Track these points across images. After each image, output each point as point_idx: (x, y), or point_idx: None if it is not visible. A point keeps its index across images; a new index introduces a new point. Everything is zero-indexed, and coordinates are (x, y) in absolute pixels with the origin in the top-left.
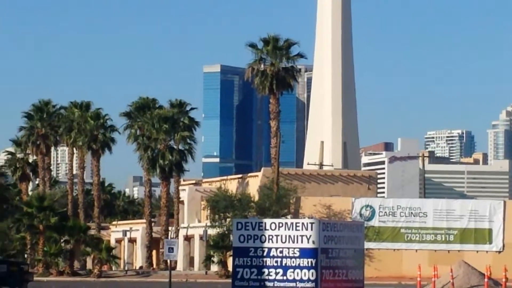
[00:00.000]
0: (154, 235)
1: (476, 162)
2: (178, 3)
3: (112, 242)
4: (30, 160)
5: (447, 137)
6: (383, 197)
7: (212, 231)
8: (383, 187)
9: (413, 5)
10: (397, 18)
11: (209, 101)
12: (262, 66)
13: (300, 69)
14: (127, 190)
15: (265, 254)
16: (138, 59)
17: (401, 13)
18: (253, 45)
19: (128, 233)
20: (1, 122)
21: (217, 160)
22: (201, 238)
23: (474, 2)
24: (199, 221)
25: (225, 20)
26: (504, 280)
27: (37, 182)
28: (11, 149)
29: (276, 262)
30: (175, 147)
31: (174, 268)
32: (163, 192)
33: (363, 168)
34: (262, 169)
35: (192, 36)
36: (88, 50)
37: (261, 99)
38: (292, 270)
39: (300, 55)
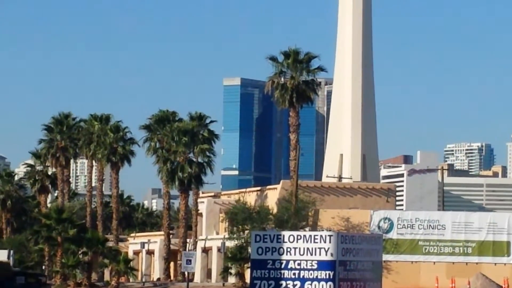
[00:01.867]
0: (172, 247)
1: (495, 175)
2: (198, 17)
3: (130, 254)
4: (49, 173)
5: (466, 150)
6: (402, 209)
7: (230, 243)
8: (402, 200)
9: (433, 19)
10: (418, 31)
11: (229, 114)
12: (282, 79)
13: (320, 82)
14: (145, 202)
15: (283, 266)
16: (159, 72)
17: (421, 27)
18: (273, 58)
19: (146, 245)
20: (21, 135)
21: (236, 172)
22: (219, 250)
23: (493, 17)
24: (217, 233)
25: (245, 33)
26: None
27: (56, 194)
28: (31, 162)
29: (294, 274)
30: (194, 159)
31: (192, 280)
32: (181, 204)
33: (382, 181)
34: (281, 181)
35: (212, 49)
36: (109, 63)
37: (281, 112)
38: (310, 282)
39: (321, 69)
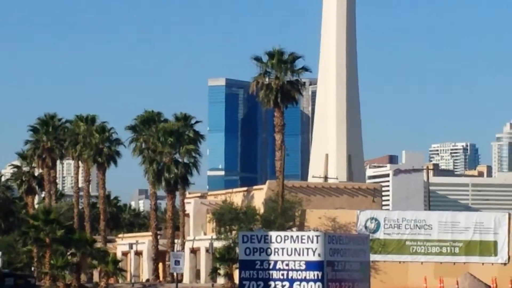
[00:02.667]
0: (160, 247)
1: (480, 174)
2: (183, 17)
3: (119, 255)
4: (36, 174)
5: (452, 149)
6: (388, 209)
7: (218, 244)
8: (388, 200)
9: (417, 19)
10: (401, 31)
11: (214, 115)
12: (267, 79)
13: (304, 82)
14: (132, 203)
15: (271, 267)
16: (143, 73)
17: (405, 27)
18: (258, 59)
19: (134, 246)
20: (7, 136)
21: (222, 173)
22: (207, 250)
23: (477, 15)
24: (205, 234)
25: (230, 33)
26: None
27: (43, 196)
28: (17, 163)
29: (282, 275)
30: (180, 160)
31: (181, 280)
32: (168, 205)
33: (367, 181)
34: (267, 182)
35: (197, 49)
36: (93, 63)
37: (266, 113)
38: (298, 283)
39: (305, 69)
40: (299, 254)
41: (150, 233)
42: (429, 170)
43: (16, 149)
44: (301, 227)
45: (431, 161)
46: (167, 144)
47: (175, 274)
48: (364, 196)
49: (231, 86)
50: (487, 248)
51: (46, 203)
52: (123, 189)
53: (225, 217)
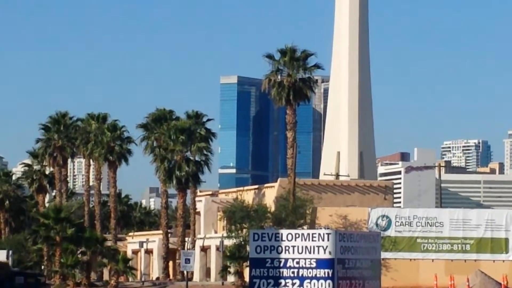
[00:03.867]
0: (170, 246)
1: (492, 171)
2: (195, 14)
3: (129, 253)
4: (47, 172)
5: (464, 146)
6: (399, 207)
7: (228, 242)
8: (399, 197)
9: (430, 16)
10: (415, 28)
11: (226, 112)
12: (279, 77)
13: (317, 79)
14: (143, 201)
15: (281, 265)
16: (155, 71)
17: (418, 24)
18: (270, 56)
19: (144, 244)
20: (18, 134)
21: (234, 171)
22: (217, 249)
23: (491, 12)
24: (216, 232)
25: (242, 31)
26: None
27: (54, 194)
28: (28, 161)
29: (293, 273)
30: (191, 158)
31: (191, 279)
32: (179, 203)
33: (379, 178)
34: (279, 179)
35: (209, 47)
36: (105, 62)
37: (278, 110)
38: (309, 281)
39: (317, 66)
40: (309, 252)
41: (160, 232)
42: (441, 167)
43: (28, 148)
44: (312, 225)
45: (443, 158)
46: (179, 142)
47: (185, 272)
48: (375, 194)
49: (243, 84)
50: (498, 245)
51: (56, 202)
52: (134, 187)
53: (236, 215)
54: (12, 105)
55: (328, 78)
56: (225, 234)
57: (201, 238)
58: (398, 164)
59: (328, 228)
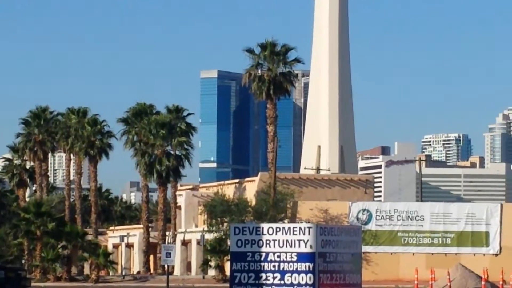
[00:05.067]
0: (151, 240)
1: (472, 165)
2: (175, 9)
3: (110, 248)
4: (28, 166)
5: (444, 140)
6: (380, 201)
7: (209, 236)
8: (380, 191)
9: (409, 10)
10: (394, 22)
11: (206, 107)
12: (259, 71)
13: (297, 74)
14: (124, 196)
15: (262, 258)
16: (135, 65)
17: (398, 18)
18: (250, 50)
19: (125, 239)
20: None
21: (214, 165)
22: (198, 243)
23: (469, 6)
24: (196, 226)
25: (222, 25)
26: (501, 282)
27: (34, 188)
28: (8, 156)
29: (274, 266)
30: (172, 152)
31: (172, 273)
32: (160, 197)
33: (360, 172)
34: (259, 174)
35: (189, 41)
36: (85, 56)
37: (258, 104)
38: (289, 274)
39: (297, 60)
40: (290, 246)
41: (141, 226)
42: (422, 161)
43: (8, 142)
44: (293, 219)
45: (423, 152)
46: (159, 136)
47: (166, 266)
48: (356, 188)
49: (223, 78)
50: (479, 239)
51: (37, 196)
52: (115, 181)
53: (216, 209)
54: None
55: (308, 72)
56: (206, 228)
57: (182, 232)
58: (378, 158)
59: (309, 222)
